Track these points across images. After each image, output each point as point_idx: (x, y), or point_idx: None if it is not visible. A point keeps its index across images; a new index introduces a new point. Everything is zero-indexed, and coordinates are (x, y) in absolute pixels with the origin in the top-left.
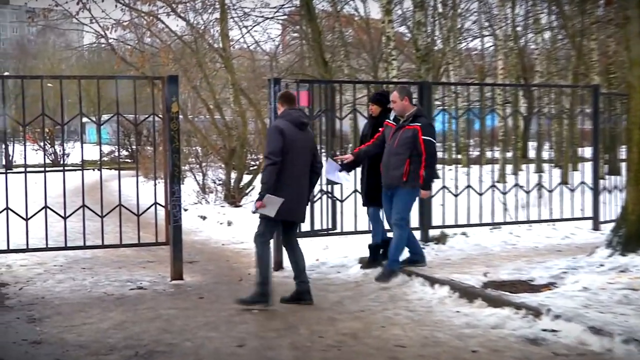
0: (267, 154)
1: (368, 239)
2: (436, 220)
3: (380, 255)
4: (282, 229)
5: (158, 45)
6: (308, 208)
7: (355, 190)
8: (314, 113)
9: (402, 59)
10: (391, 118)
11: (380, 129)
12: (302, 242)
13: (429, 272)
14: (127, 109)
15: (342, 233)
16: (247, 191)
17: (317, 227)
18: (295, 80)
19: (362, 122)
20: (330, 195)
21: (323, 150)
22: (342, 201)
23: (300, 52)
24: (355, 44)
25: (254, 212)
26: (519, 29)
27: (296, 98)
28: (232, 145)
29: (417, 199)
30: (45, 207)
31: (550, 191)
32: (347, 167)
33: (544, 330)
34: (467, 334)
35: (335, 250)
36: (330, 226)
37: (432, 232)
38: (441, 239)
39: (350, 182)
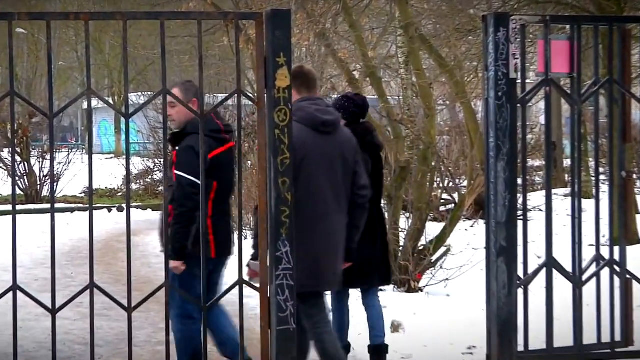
0: None
1: None
2: None
3: None
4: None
5: None
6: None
7: None
8: (583, 89)
9: None
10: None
11: None
12: None
13: None
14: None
15: None
16: (433, 258)
17: (587, 339)
18: (541, 17)
19: None
20: (616, 266)
21: (602, 170)
22: None
23: None
24: None
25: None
26: None
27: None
28: (401, 158)
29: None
30: (14, 288)
31: None
32: None
33: None
34: None
35: None
36: (619, 338)
37: None
38: None
39: None
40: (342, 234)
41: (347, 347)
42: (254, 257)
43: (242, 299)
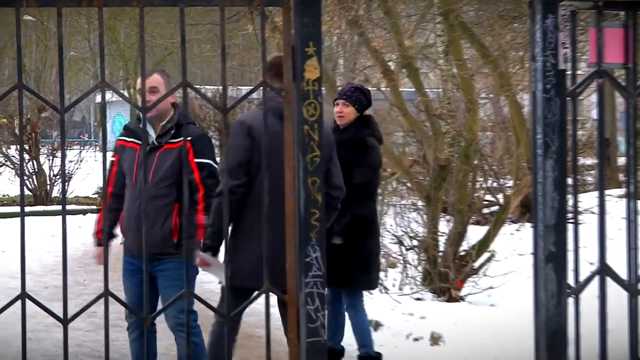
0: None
1: None
2: None
3: None
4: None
5: None
6: None
7: None
8: (639, 80)
9: None
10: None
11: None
12: None
13: None
14: (201, 74)
15: None
16: (475, 265)
17: None
18: (593, 2)
19: None
20: None
21: None
22: None
23: None
24: None
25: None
26: None
27: None
28: (440, 157)
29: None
30: (23, 296)
31: None
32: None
33: None
34: None
35: None
36: None
37: None
38: None
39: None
40: None
41: (341, 351)
42: (208, 248)
43: (268, 309)
